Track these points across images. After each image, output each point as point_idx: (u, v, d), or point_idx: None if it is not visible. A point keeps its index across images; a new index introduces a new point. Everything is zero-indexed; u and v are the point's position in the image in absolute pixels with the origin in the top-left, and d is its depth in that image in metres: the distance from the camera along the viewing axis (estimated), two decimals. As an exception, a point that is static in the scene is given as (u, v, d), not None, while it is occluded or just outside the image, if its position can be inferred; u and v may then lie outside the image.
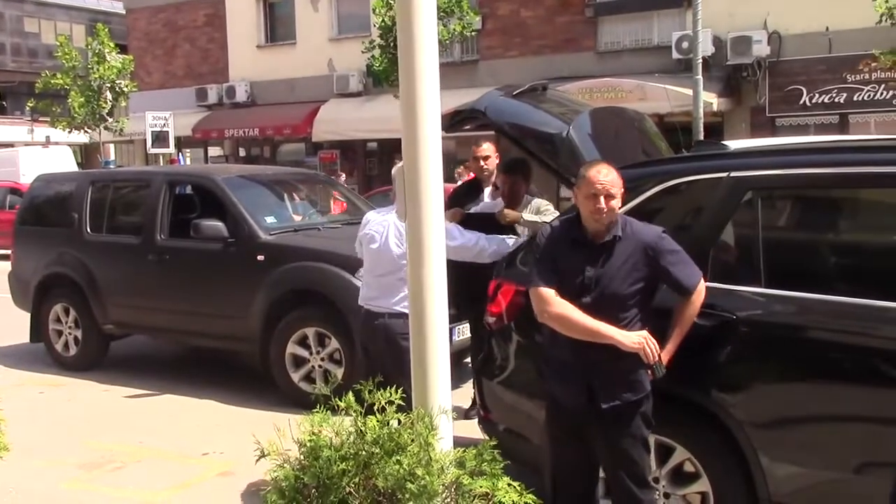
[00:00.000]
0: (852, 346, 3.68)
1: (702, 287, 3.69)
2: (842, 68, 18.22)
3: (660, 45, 19.81)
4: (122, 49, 23.75)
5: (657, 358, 3.59)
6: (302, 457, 2.71)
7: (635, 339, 3.57)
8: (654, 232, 3.70)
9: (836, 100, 18.45)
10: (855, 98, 18.24)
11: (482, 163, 6.21)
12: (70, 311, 8.72)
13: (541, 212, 5.82)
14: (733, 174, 4.03)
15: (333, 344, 7.01)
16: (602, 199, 3.56)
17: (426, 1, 3.00)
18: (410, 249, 3.09)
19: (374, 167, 24.32)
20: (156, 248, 8.05)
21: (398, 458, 2.65)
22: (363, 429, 2.79)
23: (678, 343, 3.70)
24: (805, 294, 3.78)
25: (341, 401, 2.95)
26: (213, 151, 26.42)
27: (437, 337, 3.08)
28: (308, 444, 2.70)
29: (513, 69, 21.23)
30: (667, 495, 4.05)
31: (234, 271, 7.51)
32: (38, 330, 8.97)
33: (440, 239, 3.10)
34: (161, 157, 20.63)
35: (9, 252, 9.78)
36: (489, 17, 19.30)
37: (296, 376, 7.18)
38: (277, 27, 25.65)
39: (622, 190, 3.63)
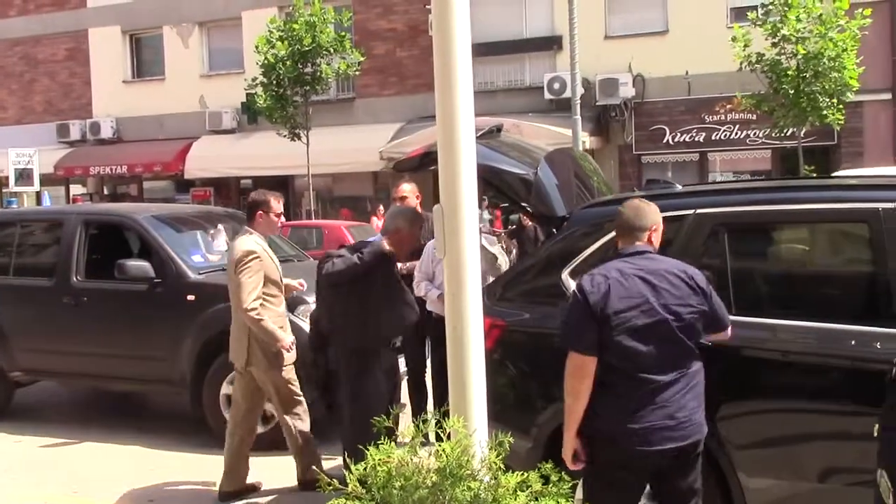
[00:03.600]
0: (815, 366, 4.05)
1: None
2: (700, 109, 19.47)
3: (531, 86, 20.57)
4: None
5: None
6: (373, 488, 2.79)
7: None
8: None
9: (696, 139, 19.69)
10: (713, 137, 19.52)
11: (398, 203, 6.55)
12: (-30, 359, 8.26)
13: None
14: (699, 211, 4.38)
15: (271, 383, 6.95)
16: None
17: (463, 51, 3.19)
18: (448, 282, 3.25)
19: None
20: (72, 290, 7.75)
21: (468, 484, 2.78)
22: (421, 459, 2.90)
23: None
24: (771, 320, 4.15)
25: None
26: (76, 189, 25.38)
27: (477, 365, 3.23)
28: (380, 476, 2.79)
29: (389, 107, 21.56)
30: (645, 514, 4.29)
31: (161, 312, 7.34)
32: (-68, 379, 8.43)
33: (476, 272, 3.27)
34: (25, 196, 19.63)
35: None
36: (366, 56, 19.54)
37: (230, 417, 7.05)
38: (145, 62, 24.99)
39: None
